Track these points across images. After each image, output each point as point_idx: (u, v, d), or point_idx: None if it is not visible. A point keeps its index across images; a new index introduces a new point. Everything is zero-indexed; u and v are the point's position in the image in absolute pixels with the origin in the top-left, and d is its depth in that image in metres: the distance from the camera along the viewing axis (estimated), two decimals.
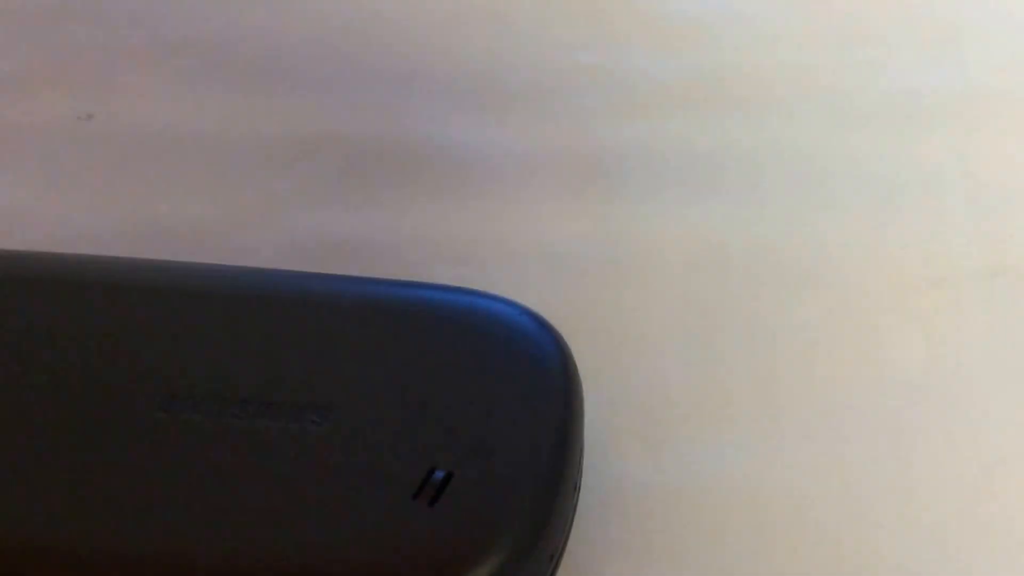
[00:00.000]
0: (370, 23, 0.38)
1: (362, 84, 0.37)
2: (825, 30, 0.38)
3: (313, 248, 0.33)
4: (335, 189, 0.34)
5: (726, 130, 0.36)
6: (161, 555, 0.25)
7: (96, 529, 0.25)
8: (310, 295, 0.29)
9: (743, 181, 0.35)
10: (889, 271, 0.33)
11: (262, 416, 0.27)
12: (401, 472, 0.26)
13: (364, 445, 0.26)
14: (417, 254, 0.33)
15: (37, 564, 0.25)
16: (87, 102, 0.37)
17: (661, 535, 0.28)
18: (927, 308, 0.32)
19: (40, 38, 0.38)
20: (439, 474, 0.26)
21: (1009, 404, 0.30)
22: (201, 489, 0.26)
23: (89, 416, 0.27)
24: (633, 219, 0.34)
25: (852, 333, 0.31)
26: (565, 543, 0.27)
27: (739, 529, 0.29)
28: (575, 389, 0.28)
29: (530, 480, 0.26)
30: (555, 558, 0.27)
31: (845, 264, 0.33)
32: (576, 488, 0.27)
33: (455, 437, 0.26)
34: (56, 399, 0.27)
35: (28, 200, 0.34)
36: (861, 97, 0.36)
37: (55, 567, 0.25)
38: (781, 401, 0.30)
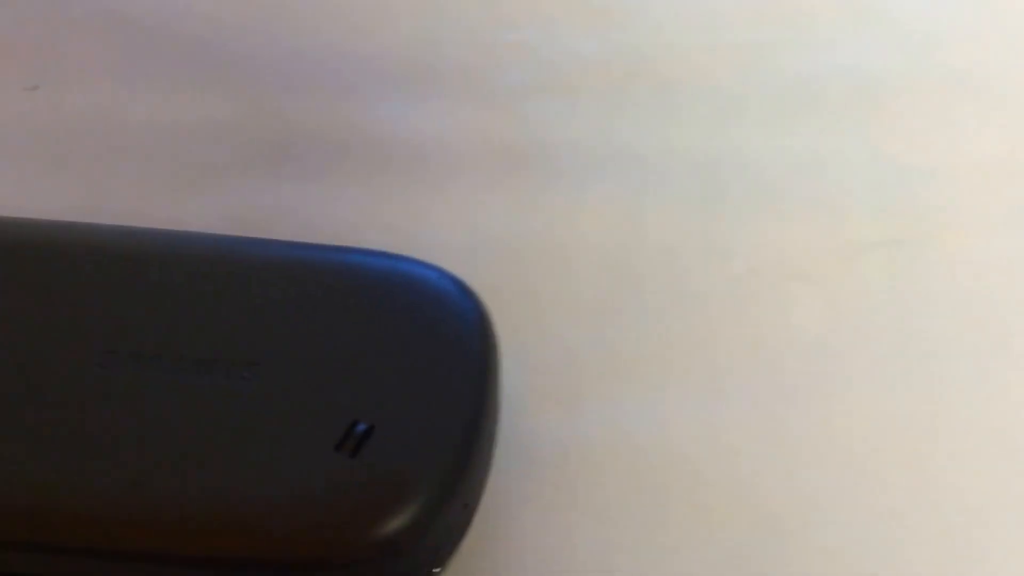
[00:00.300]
0: (303, 6, 0.39)
1: (297, 65, 0.38)
2: (743, 8, 0.40)
3: (245, 218, 0.34)
4: (268, 165, 0.36)
5: (645, 110, 0.37)
6: (92, 503, 0.26)
7: (30, 478, 0.26)
8: (241, 257, 0.30)
9: (658, 159, 0.36)
10: (794, 242, 0.34)
11: (193, 371, 0.28)
12: (325, 424, 0.27)
13: (290, 399, 0.27)
14: (345, 227, 0.34)
15: None
16: (32, 74, 0.38)
17: (572, 487, 0.30)
18: (829, 276, 0.33)
19: None
20: (361, 427, 0.27)
21: (905, 365, 0.32)
22: (133, 440, 0.27)
23: (27, 370, 0.28)
24: (553, 196, 0.35)
25: (758, 300, 0.33)
26: (480, 494, 0.28)
27: (646, 481, 0.30)
28: (492, 348, 0.29)
29: (447, 432, 0.27)
30: (470, 507, 0.28)
31: (752, 236, 0.34)
32: (492, 441, 0.29)
33: (377, 392, 0.28)
34: None
35: None
36: (771, 79, 0.38)
37: None
38: (689, 363, 0.32)
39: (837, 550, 0.29)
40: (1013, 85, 0.38)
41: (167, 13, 0.39)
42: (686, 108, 0.37)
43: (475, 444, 0.28)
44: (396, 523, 0.26)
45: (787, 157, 0.36)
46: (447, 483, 0.27)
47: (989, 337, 0.32)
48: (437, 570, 0.28)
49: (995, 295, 0.33)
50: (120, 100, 0.37)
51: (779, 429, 0.31)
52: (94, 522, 0.26)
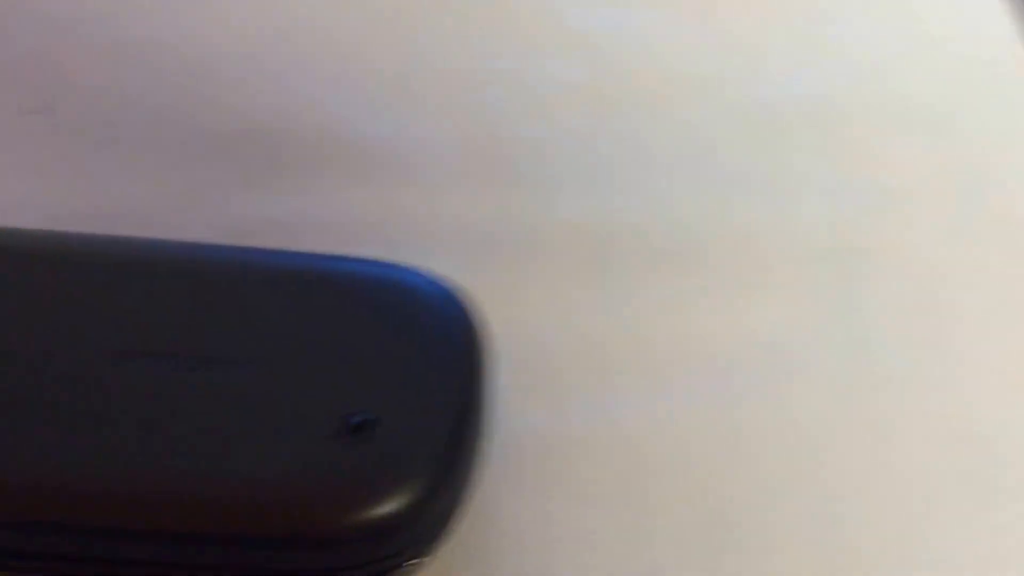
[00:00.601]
0: (297, 27, 0.41)
1: (292, 82, 0.40)
2: (706, 42, 0.42)
3: (240, 228, 0.36)
4: (261, 176, 0.38)
5: (616, 128, 0.40)
6: (110, 486, 0.28)
7: (52, 463, 0.28)
8: (241, 265, 0.32)
9: (633, 174, 0.38)
10: (756, 251, 0.37)
11: (199, 368, 0.30)
12: (322, 415, 0.29)
13: (289, 393, 0.29)
14: (336, 234, 0.36)
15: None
16: (36, 97, 0.39)
17: (559, 476, 0.32)
18: (784, 282, 0.36)
19: None
20: (357, 418, 0.29)
21: (852, 364, 0.35)
22: (146, 430, 0.29)
23: (45, 366, 0.30)
24: (531, 204, 0.38)
25: (721, 303, 0.36)
26: (471, 483, 0.30)
27: (627, 469, 0.32)
28: (480, 345, 0.31)
29: (440, 423, 0.29)
30: (461, 495, 0.30)
31: (718, 246, 0.37)
32: (482, 433, 0.30)
33: (370, 387, 0.29)
34: (14, 357, 0.30)
35: None
36: (739, 101, 0.40)
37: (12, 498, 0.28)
38: (662, 361, 0.34)
39: (790, 532, 0.31)
40: (955, 109, 0.41)
41: (163, 42, 0.41)
42: (655, 126, 0.40)
43: (466, 434, 0.30)
44: (389, 506, 0.28)
45: (748, 176, 0.39)
46: (440, 470, 0.29)
47: (931, 338, 0.35)
48: (427, 557, 0.29)
49: (936, 300, 0.36)
50: (119, 123, 0.39)
51: (737, 422, 0.33)
52: (107, 500, 0.28)
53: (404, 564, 0.29)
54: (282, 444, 0.28)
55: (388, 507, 0.28)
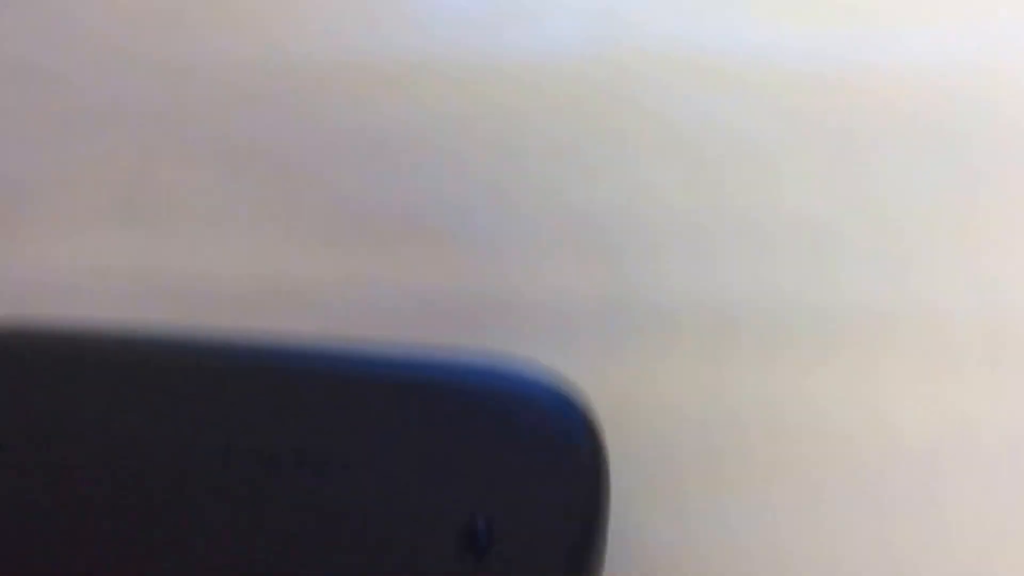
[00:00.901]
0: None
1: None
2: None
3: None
4: None
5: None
6: None
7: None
8: (352, 369, 0.31)
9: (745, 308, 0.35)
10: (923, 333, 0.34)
11: (316, 476, 0.29)
12: (445, 523, 0.28)
13: (408, 500, 0.28)
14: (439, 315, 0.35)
15: None
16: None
17: None
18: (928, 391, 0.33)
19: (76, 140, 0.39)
20: (480, 524, 0.28)
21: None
22: (264, 540, 0.28)
23: (160, 480, 0.29)
24: (641, 283, 0.35)
25: (869, 394, 0.33)
26: None
27: None
28: (601, 451, 0.29)
29: (566, 535, 0.28)
30: None
31: (856, 328, 0.34)
32: (605, 543, 0.29)
33: (491, 495, 0.28)
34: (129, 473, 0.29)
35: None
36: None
37: None
38: (794, 468, 0.32)
39: None
40: None
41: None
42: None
43: (592, 546, 0.28)
44: None
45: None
46: None
47: None
48: None
49: None
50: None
51: (884, 538, 0.31)
52: None
53: None
54: (403, 552, 0.28)
55: None
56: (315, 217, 0.36)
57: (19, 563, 0.28)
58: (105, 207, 0.37)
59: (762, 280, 0.35)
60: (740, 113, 0.36)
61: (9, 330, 0.31)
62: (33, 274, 0.36)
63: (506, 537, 0.27)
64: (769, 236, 0.35)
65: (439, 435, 0.29)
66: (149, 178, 0.37)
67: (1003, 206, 0.35)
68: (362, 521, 0.28)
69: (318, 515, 0.28)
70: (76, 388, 0.30)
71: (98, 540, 0.29)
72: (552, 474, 0.29)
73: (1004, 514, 0.32)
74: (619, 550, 0.31)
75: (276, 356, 0.31)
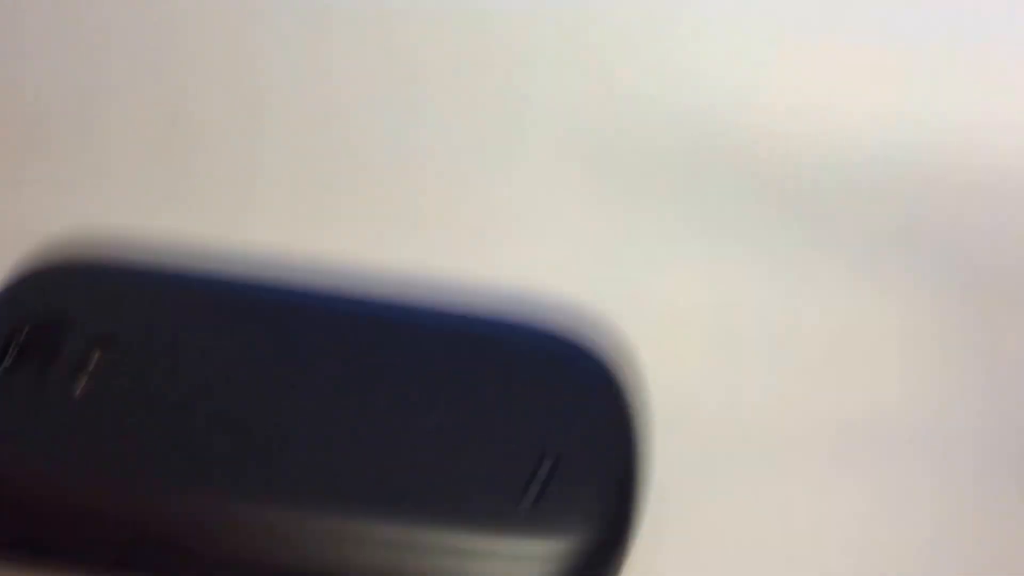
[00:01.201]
0: None
1: None
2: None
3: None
4: None
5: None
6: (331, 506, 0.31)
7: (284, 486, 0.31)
8: (431, 331, 0.34)
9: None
10: None
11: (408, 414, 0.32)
12: (513, 464, 0.32)
13: (479, 444, 0.32)
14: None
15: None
16: None
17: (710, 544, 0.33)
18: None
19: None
20: (546, 462, 0.32)
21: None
22: (361, 464, 0.32)
23: (264, 396, 0.32)
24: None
25: None
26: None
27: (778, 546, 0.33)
28: (634, 408, 0.33)
29: (614, 472, 0.32)
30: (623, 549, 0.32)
31: None
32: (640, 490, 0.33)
33: (553, 440, 0.32)
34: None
35: None
36: None
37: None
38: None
39: None
40: None
41: None
42: None
43: (635, 488, 0.32)
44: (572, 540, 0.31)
45: None
46: (617, 523, 0.32)
47: None
48: None
49: None
50: None
51: None
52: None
53: None
54: (481, 479, 0.32)
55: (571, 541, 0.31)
56: None
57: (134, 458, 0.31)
58: None
59: None
60: None
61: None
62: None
63: (564, 472, 0.32)
64: None
65: (508, 387, 0.33)
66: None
67: None
68: (450, 454, 0.32)
69: (412, 445, 0.32)
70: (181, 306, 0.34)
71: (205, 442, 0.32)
72: (596, 421, 0.33)
73: None
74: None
75: (363, 308, 0.34)
